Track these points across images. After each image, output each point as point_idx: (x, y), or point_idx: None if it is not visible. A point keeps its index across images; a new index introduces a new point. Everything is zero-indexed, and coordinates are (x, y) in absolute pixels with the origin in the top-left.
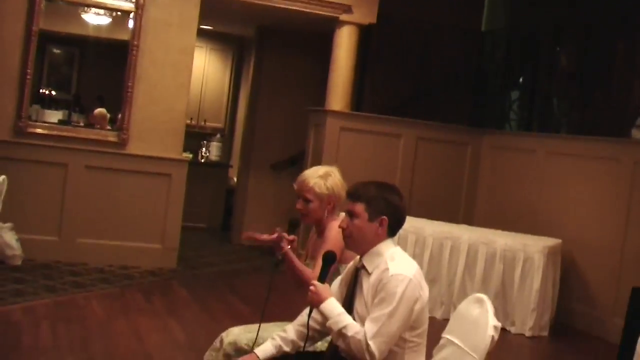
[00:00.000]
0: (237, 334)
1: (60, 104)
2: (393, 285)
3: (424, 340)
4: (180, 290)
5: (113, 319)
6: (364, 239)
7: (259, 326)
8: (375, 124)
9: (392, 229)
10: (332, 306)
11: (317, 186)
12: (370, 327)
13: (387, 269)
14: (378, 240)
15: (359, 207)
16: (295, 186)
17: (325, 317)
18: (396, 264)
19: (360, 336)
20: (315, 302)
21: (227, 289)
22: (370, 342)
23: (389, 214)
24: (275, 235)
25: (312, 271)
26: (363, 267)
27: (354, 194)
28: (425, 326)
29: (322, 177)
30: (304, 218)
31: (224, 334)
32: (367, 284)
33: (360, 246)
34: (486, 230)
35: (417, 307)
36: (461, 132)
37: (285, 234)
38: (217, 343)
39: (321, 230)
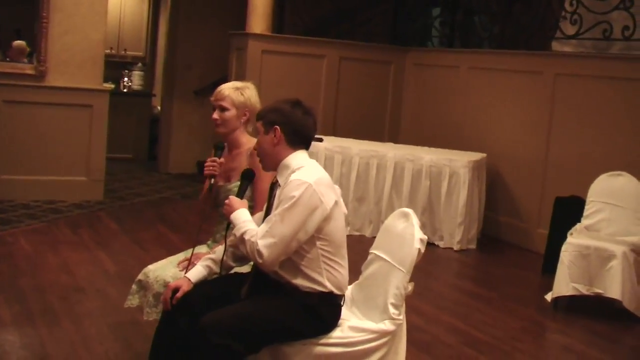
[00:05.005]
0: (158, 272)
1: None
2: (289, 189)
3: (343, 262)
4: (108, 221)
5: (42, 254)
6: (267, 153)
7: (192, 251)
8: (297, 46)
9: (291, 139)
10: (240, 215)
11: (233, 94)
12: (262, 228)
13: (289, 177)
14: (280, 151)
15: (259, 124)
16: (211, 99)
17: (233, 226)
18: (300, 172)
19: (254, 238)
20: (227, 214)
21: (156, 218)
22: (259, 242)
23: (281, 123)
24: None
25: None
26: (277, 181)
27: (257, 114)
28: (339, 242)
29: (238, 88)
30: (218, 127)
31: (141, 277)
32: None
33: (270, 162)
34: (412, 147)
35: (318, 215)
36: (384, 51)
37: (215, 158)
38: (134, 287)
39: (233, 146)
